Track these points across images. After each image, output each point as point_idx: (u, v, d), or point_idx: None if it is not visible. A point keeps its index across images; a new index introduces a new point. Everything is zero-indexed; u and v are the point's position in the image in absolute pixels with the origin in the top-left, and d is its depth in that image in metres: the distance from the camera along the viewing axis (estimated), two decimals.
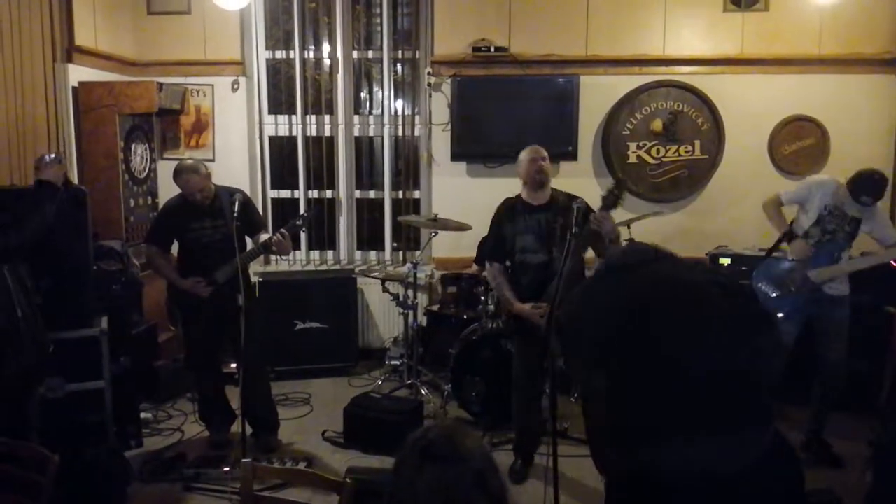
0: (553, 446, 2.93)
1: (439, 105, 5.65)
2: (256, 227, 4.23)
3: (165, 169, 5.48)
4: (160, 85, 5.04)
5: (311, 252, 6.10)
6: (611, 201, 3.43)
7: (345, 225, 6.06)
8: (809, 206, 3.95)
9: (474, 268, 5.38)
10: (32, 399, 3.26)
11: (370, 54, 6.00)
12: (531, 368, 3.87)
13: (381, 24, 5.94)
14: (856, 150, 5.48)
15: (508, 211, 3.88)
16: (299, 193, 6.05)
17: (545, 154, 3.83)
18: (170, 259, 4.27)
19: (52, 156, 3.42)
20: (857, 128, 5.50)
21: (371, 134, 6.07)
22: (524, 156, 3.83)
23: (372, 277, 5.59)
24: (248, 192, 4.86)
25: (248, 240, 4.26)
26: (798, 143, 5.55)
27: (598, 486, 3.64)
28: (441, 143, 5.68)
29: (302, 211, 5.90)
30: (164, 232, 4.18)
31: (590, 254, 3.94)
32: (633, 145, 5.54)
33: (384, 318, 5.86)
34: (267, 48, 5.93)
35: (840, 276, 3.89)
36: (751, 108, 5.53)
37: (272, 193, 6.06)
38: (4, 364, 2.94)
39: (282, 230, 4.00)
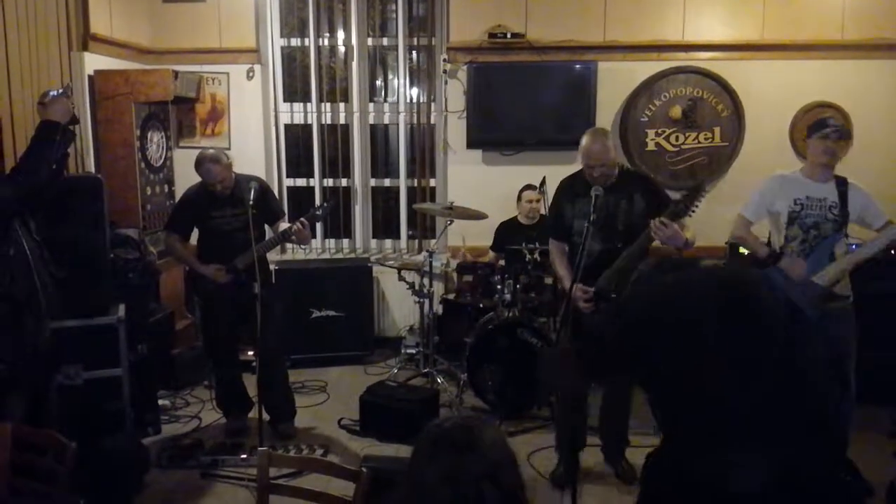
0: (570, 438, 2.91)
1: (455, 92, 5.61)
2: (275, 216, 4.24)
3: (181, 157, 5.50)
4: (175, 73, 5.04)
5: (327, 240, 6.10)
6: (679, 210, 3.09)
7: (360, 213, 6.05)
8: (779, 208, 3.51)
9: (490, 255, 5.36)
10: (51, 388, 3.28)
11: (385, 41, 5.97)
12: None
13: (396, 10, 5.90)
14: (879, 137, 5.39)
15: (568, 191, 3.60)
16: (314, 182, 6.05)
17: (607, 158, 3.38)
18: (189, 246, 4.29)
19: (58, 91, 2.99)
20: (880, 114, 5.40)
21: (386, 122, 6.04)
22: (583, 149, 3.43)
23: (388, 266, 5.59)
24: (263, 179, 4.86)
25: (269, 229, 4.27)
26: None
27: (610, 486, 3.61)
28: (457, 130, 5.64)
29: (318, 201, 5.91)
30: (185, 220, 4.21)
31: None
32: (651, 132, 5.48)
33: (400, 306, 5.85)
34: (282, 36, 5.91)
35: (843, 275, 3.42)
36: (772, 94, 5.44)
37: (287, 182, 6.05)
38: (25, 333, 2.95)
39: (302, 219, 4.00)
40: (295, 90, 6.00)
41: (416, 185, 5.96)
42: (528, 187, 5.28)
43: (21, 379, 2.95)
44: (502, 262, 4.89)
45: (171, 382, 4.87)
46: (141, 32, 5.54)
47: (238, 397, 4.36)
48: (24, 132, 4.11)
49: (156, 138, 5.25)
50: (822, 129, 3.46)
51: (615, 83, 5.48)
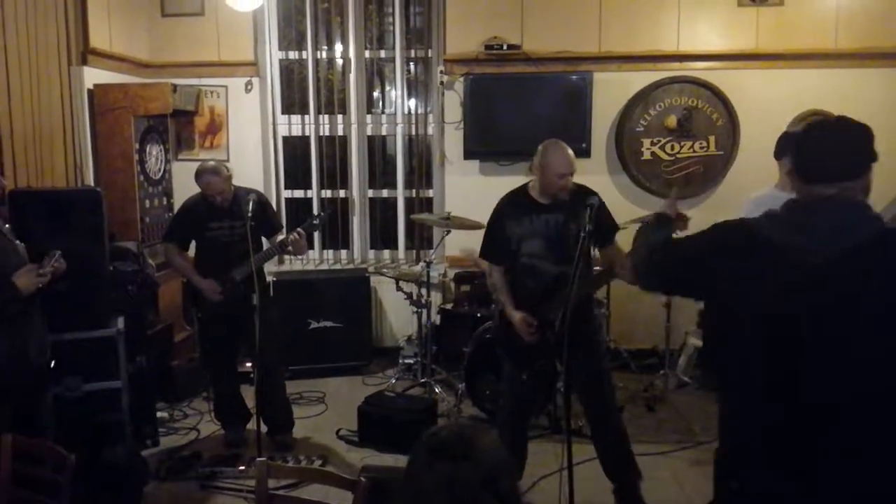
0: (568, 445, 2.92)
1: (452, 103, 5.65)
2: (273, 229, 4.26)
3: (180, 170, 5.52)
4: (174, 86, 5.07)
5: (325, 251, 6.12)
6: None
7: (358, 224, 6.07)
8: None
9: (483, 264, 5.22)
10: (44, 398, 3.27)
11: (382, 53, 6.01)
12: (521, 400, 3.45)
13: (394, 23, 5.94)
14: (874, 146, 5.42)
15: (511, 209, 3.38)
16: (313, 193, 6.07)
17: (574, 167, 3.23)
18: (187, 257, 4.30)
19: (57, 259, 3.02)
20: (874, 123, 5.26)
21: (384, 133, 6.07)
22: (550, 161, 3.22)
23: (385, 276, 5.60)
24: (262, 192, 4.88)
25: (266, 241, 4.28)
26: None
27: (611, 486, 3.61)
28: (454, 141, 5.67)
29: (316, 211, 5.93)
30: (183, 230, 4.23)
31: None
32: (647, 142, 5.51)
33: (398, 316, 5.86)
34: (280, 49, 5.95)
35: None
36: (766, 103, 5.48)
37: (286, 193, 6.08)
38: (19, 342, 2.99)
39: (298, 229, 4.02)
40: (293, 102, 6.04)
41: (413, 195, 5.99)
42: None
43: (10, 390, 2.96)
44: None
45: (170, 394, 4.87)
46: (140, 46, 5.57)
47: (236, 409, 4.37)
48: (23, 146, 4.14)
49: (154, 151, 5.28)
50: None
51: (611, 93, 5.52)
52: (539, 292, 3.29)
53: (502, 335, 3.45)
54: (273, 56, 5.90)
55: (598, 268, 3.60)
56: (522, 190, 3.42)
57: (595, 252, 3.42)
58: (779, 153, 3.54)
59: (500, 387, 3.54)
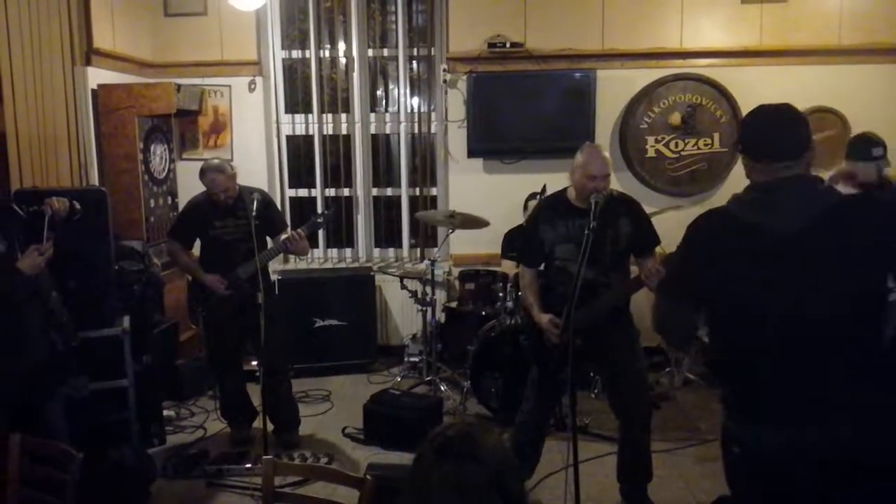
0: (574, 443, 2.92)
1: (455, 102, 5.65)
2: (278, 228, 4.26)
3: (184, 169, 5.54)
4: (178, 86, 5.08)
5: (330, 250, 6.13)
6: None
7: (362, 222, 6.08)
8: None
9: (504, 264, 5.20)
10: (45, 397, 3.27)
11: (385, 52, 6.01)
12: (544, 404, 3.50)
13: (396, 21, 5.95)
14: None
15: (548, 213, 3.38)
16: (317, 192, 6.08)
17: (608, 170, 3.22)
18: (191, 255, 4.32)
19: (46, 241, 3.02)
20: (878, 118, 5.39)
21: (387, 132, 6.07)
22: (583, 163, 3.22)
23: (390, 275, 5.61)
24: (266, 191, 4.89)
25: (270, 241, 4.29)
26: (819, 134, 5.46)
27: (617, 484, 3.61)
28: (457, 139, 5.67)
29: (320, 210, 5.93)
30: (188, 228, 4.24)
31: None
32: (651, 139, 5.51)
33: (403, 315, 5.87)
34: (283, 48, 5.96)
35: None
36: (770, 99, 5.30)
37: (290, 192, 6.08)
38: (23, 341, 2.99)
39: (298, 229, 4.02)
40: (296, 101, 6.04)
41: (417, 193, 5.99)
42: (534, 196, 5.28)
43: (13, 390, 2.96)
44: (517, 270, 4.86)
45: (176, 393, 4.89)
46: (143, 46, 5.58)
47: (242, 407, 4.38)
48: (28, 146, 4.16)
49: (159, 151, 5.29)
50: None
51: (614, 91, 5.51)
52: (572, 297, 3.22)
53: (531, 338, 3.44)
54: (276, 55, 5.91)
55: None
56: (560, 194, 3.42)
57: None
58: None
59: (526, 391, 3.54)
